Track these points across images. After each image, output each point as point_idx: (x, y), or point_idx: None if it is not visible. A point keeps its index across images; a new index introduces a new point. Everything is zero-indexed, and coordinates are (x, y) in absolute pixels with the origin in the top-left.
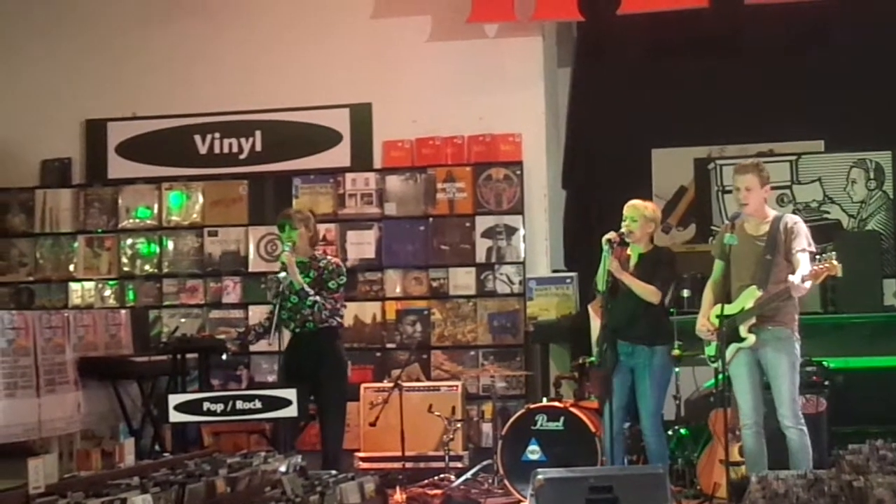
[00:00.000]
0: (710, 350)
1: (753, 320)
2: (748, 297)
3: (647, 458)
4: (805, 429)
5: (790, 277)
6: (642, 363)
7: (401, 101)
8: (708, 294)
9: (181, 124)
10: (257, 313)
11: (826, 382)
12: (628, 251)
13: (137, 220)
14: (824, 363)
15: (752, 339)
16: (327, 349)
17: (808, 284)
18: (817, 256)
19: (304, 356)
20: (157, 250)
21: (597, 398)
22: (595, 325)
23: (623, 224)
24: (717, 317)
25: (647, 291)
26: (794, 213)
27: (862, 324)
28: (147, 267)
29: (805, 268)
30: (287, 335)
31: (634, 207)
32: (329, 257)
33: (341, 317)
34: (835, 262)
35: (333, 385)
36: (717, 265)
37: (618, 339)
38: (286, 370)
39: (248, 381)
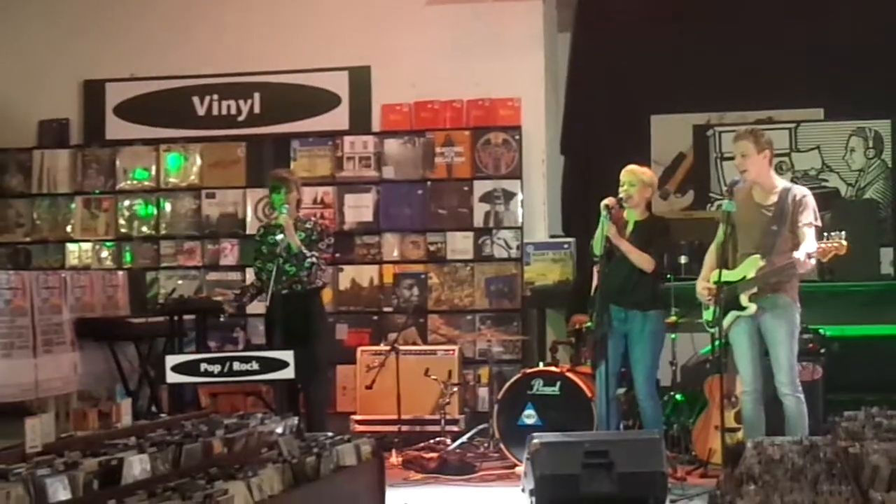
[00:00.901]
0: (708, 315)
1: (755, 290)
2: (750, 266)
3: (642, 424)
4: (802, 396)
5: (795, 253)
6: (636, 328)
7: (400, 65)
8: (710, 258)
9: (180, 85)
10: (254, 275)
11: (822, 350)
12: (625, 216)
13: (135, 182)
14: (821, 331)
15: (752, 308)
16: (316, 311)
17: (812, 261)
18: (826, 234)
19: (293, 317)
20: (155, 212)
21: (593, 363)
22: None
23: (621, 189)
24: (716, 283)
25: (642, 259)
26: (792, 181)
27: (858, 292)
28: (144, 228)
29: (810, 243)
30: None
31: (632, 172)
32: (313, 219)
33: (327, 278)
34: (843, 242)
35: (322, 347)
36: (721, 228)
37: (612, 305)
38: (274, 332)
39: (245, 342)
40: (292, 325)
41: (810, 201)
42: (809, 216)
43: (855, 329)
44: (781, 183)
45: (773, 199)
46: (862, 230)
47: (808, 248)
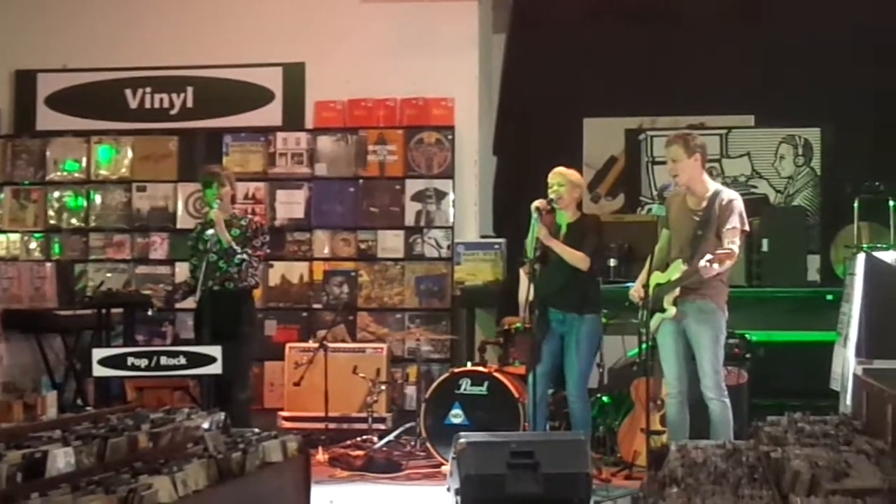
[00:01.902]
0: (641, 315)
1: (677, 292)
2: (675, 270)
3: (569, 425)
4: (727, 401)
5: (700, 262)
6: (573, 330)
7: (334, 62)
8: (648, 261)
9: (112, 77)
10: (185, 270)
11: (748, 355)
12: (556, 220)
13: (65, 173)
14: (747, 336)
15: (672, 310)
16: (245, 309)
17: (716, 266)
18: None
19: (222, 315)
20: (85, 204)
21: (522, 364)
22: (524, 287)
23: (550, 190)
24: (644, 286)
25: (576, 258)
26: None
27: (785, 298)
28: (74, 220)
29: (722, 249)
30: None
31: (560, 174)
32: (249, 216)
33: (258, 276)
34: (736, 250)
35: (248, 346)
36: (664, 233)
37: (549, 307)
38: (203, 328)
39: (174, 337)
40: (220, 323)
41: (737, 206)
42: (735, 221)
43: (781, 335)
44: (713, 187)
45: (703, 204)
46: (790, 237)
47: (708, 256)
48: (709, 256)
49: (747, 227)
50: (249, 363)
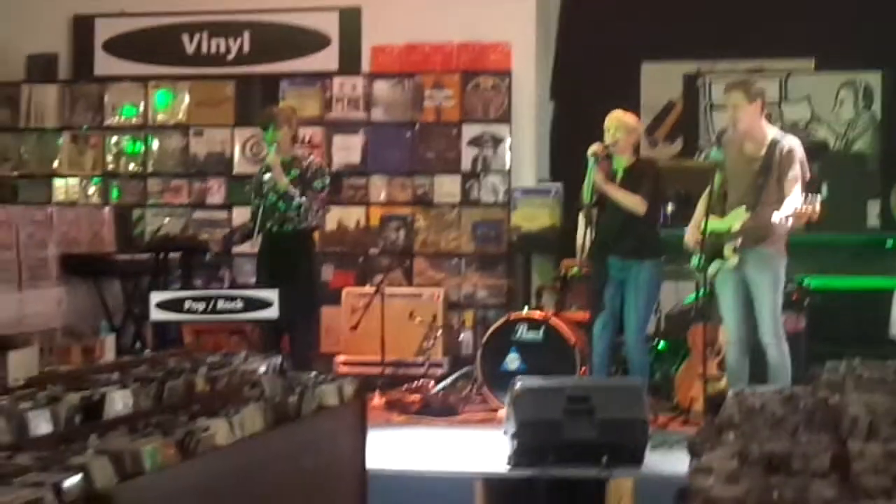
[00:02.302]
0: (696, 261)
1: (739, 241)
2: (735, 218)
3: (626, 370)
4: (786, 347)
5: (774, 215)
6: (632, 277)
7: (390, 6)
8: (701, 205)
9: (169, 23)
10: (241, 215)
11: (806, 301)
12: (613, 165)
13: (123, 119)
14: (805, 282)
15: (734, 260)
16: (304, 252)
17: (790, 221)
18: (805, 195)
19: (282, 257)
20: (143, 149)
21: (579, 309)
22: (581, 232)
23: (607, 135)
24: (701, 233)
25: (633, 202)
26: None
27: (844, 244)
28: (132, 165)
29: (791, 202)
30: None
31: (617, 118)
32: (312, 157)
33: (322, 219)
34: (817, 207)
35: (307, 288)
36: (718, 176)
37: (609, 254)
38: (262, 269)
39: (231, 281)
40: (280, 264)
41: (798, 154)
42: (796, 169)
43: (839, 280)
44: (773, 133)
45: (763, 151)
46: (850, 182)
47: (787, 209)
48: (785, 211)
49: (808, 175)
50: (310, 304)
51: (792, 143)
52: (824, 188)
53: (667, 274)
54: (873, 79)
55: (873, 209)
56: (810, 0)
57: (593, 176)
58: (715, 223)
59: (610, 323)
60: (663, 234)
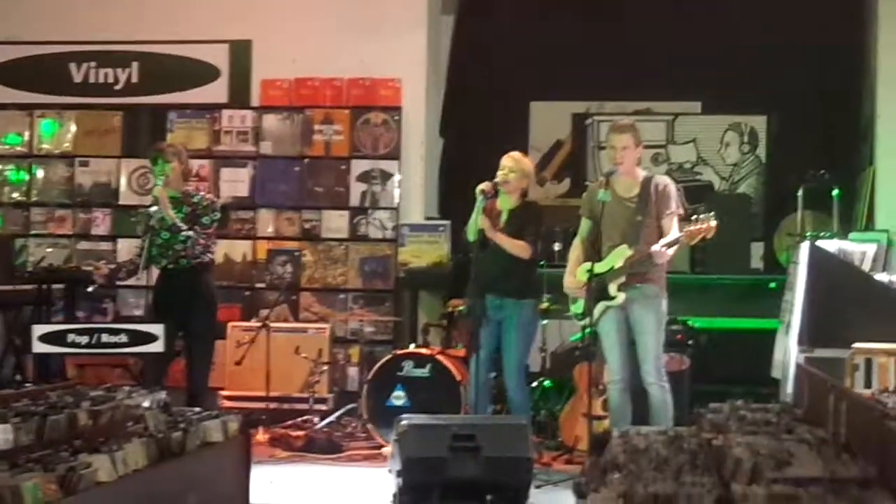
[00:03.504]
0: (576, 308)
1: (623, 279)
2: (618, 257)
3: (510, 410)
4: (667, 386)
5: (653, 247)
6: (510, 316)
7: (281, 40)
8: (573, 252)
9: (57, 51)
10: (126, 246)
11: (690, 341)
12: (499, 205)
13: (7, 147)
14: (689, 322)
15: (621, 297)
16: (199, 285)
17: (671, 251)
18: (694, 216)
19: (176, 292)
20: (27, 178)
21: (465, 347)
22: None
23: (500, 173)
24: (588, 272)
25: (519, 248)
26: (667, 173)
27: (728, 285)
28: (15, 194)
29: (671, 234)
30: (156, 272)
31: (514, 159)
32: (202, 193)
33: (213, 253)
34: (712, 223)
35: (204, 322)
36: (584, 223)
37: (487, 293)
38: (156, 306)
39: (115, 315)
40: (175, 300)
41: (672, 190)
42: (672, 205)
43: (723, 322)
44: (643, 173)
45: (636, 190)
46: (734, 224)
47: (667, 239)
48: (666, 240)
49: (682, 210)
50: (203, 341)
51: (665, 179)
52: None
53: (552, 312)
54: (758, 122)
55: (757, 251)
56: (698, 45)
57: (480, 215)
58: (596, 266)
59: (488, 359)
60: (550, 272)
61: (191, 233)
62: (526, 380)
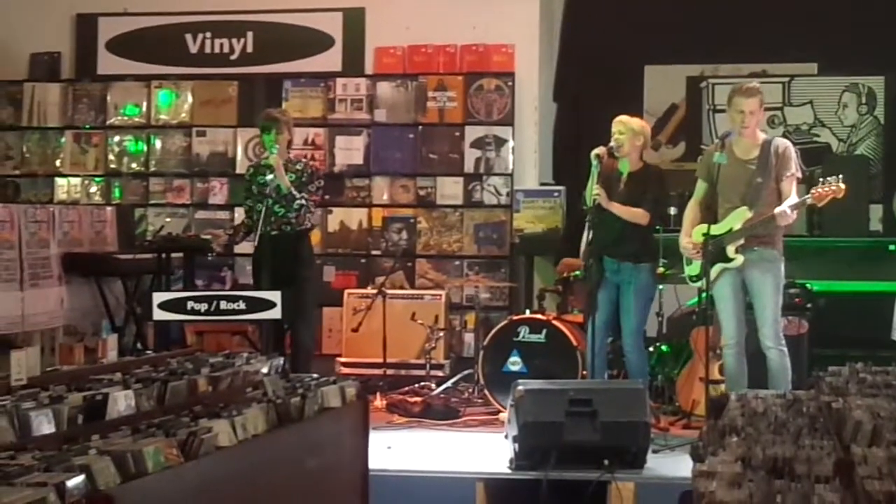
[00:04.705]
0: (691, 270)
1: (742, 241)
2: (737, 218)
3: (627, 374)
4: (786, 350)
5: (777, 208)
6: (627, 280)
7: (394, 7)
8: (689, 213)
9: (173, 22)
10: (243, 214)
11: (808, 305)
12: (618, 166)
13: (125, 118)
14: (808, 286)
15: (740, 259)
16: (304, 252)
17: (794, 214)
18: (822, 179)
19: (282, 259)
20: (145, 148)
21: (581, 311)
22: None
23: (612, 138)
24: (704, 235)
25: (636, 215)
26: (784, 135)
27: (846, 248)
28: (134, 165)
29: (793, 197)
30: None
31: (622, 122)
32: (304, 160)
33: (315, 220)
34: (841, 185)
35: (309, 289)
36: (700, 185)
37: (604, 255)
38: (262, 272)
39: (233, 282)
40: (280, 267)
41: (792, 153)
42: (792, 168)
43: (842, 285)
44: (762, 135)
45: (756, 152)
46: (852, 186)
47: (790, 201)
48: (790, 202)
49: (800, 174)
50: (311, 305)
51: (785, 142)
52: None
53: (669, 277)
54: (876, 83)
55: (876, 213)
56: (813, 4)
57: (595, 179)
58: (713, 228)
59: (605, 323)
60: (666, 237)
61: (303, 200)
62: (643, 344)
